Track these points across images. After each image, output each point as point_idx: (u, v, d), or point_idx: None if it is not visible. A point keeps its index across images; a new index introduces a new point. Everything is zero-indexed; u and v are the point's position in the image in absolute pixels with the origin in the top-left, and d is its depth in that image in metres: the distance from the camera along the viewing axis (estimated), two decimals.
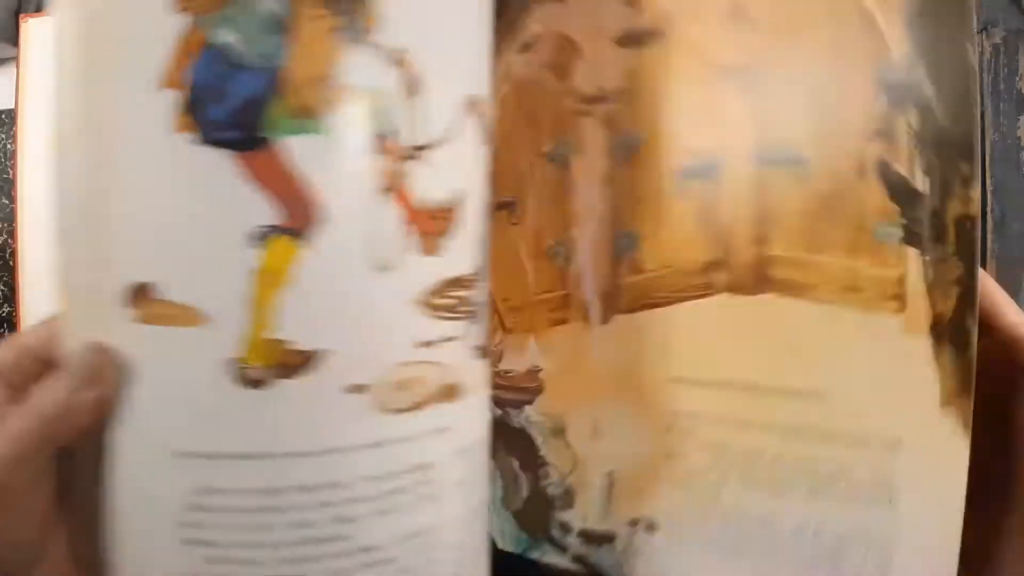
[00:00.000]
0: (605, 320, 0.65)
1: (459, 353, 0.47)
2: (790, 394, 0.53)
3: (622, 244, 0.63)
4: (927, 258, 0.49)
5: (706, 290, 0.59)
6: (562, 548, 0.67)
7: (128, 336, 0.41)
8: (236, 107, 0.40)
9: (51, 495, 0.43)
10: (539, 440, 0.68)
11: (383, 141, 0.43)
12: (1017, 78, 0.81)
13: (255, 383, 0.42)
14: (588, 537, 0.67)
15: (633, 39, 0.61)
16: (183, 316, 0.41)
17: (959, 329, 0.47)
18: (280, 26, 0.39)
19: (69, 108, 0.41)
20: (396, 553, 0.45)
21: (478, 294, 0.50)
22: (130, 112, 0.40)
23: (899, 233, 0.49)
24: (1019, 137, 0.80)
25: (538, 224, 0.67)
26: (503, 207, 0.68)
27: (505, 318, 0.69)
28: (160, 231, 0.40)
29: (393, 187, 0.44)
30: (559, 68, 0.66)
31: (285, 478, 0.42)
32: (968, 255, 0.46)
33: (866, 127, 0.50)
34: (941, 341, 0.49)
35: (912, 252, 0.49)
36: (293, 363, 0.42)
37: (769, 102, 0.52)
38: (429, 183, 0.46)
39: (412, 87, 0.44)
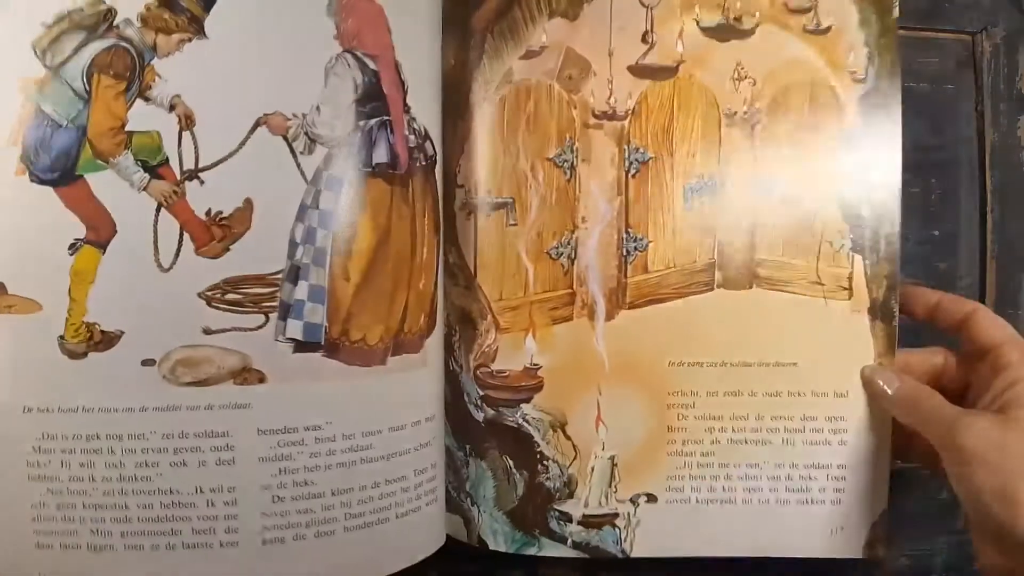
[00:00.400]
0: (611, 316, 0.58)
1: (258, 343, 0.48)
2: (770, 366, 0.57)
3: (630, 246, 0.58)
4: (867, 261, 0.57)
5: (705, 287, 0.58)
6: (561, 539, 0.58)
7: None
8: (56, 156, 0.46)
9: None
10: (538, 436, 0.58)
11: (161, 169, 0.47)
12: (1017, 78, 0.69)
13: (75, 355, 0.46)
14: (589, 522, 0.58)
15: (647, 72, 0.58)
16: (26, 306, 0.45)
17: (886, 309, 0.57)
18: (83, 97, 0.46)
19: None
20: (195, 501, 0.47)
21: (289, 290, 0.49)
22: None
23: (849, 244, 0.57)
24: (1019, 137, 0.69)
25: (540, 225, 0.58)
26: (499, 208, 0.58)
27: (500, 318, 0.58)
28: (9, 245, 0.46)
29: (170, 204, 0.47)
30: (569, 81, 0.58)
31: (100, 427, 0.46)
32: (892, 261, 0.57)
33: (829, 168, 0.57)
34: (875, 317, 0.57)
35: (857, 257, 0.57)
36: (100, 340, 0.46)
37: (764, 144, 0.57)
38: (211, 197, 0.48)
39: (185, 124, 0.47)
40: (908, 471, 0.63)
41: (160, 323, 0.47)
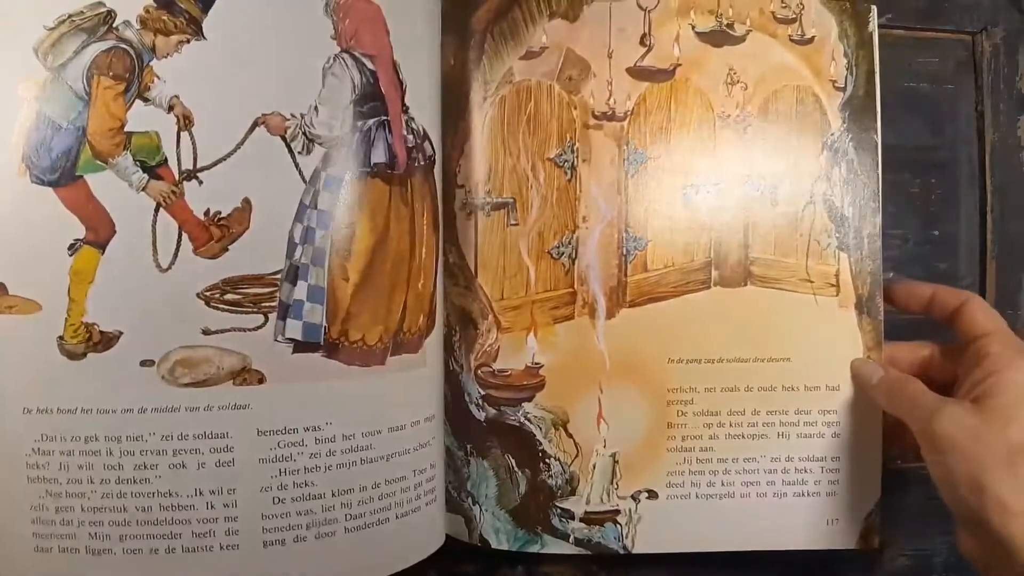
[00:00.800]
0: (611, 315, 0.59)
1: (257, 343, 0.49)
2: (765, 361, 0.59)
3: (630, 246, 0.59)
4: (852, 259, 0.60)
5: (702, 285, 0.60)
6: (564, 536, 0.59)
7: None
8: (56, 157, 0.46)
9: None
10: (540, 435, 0.58)
11: (159, 169, 0.47)
12: (1017, 78, 0.70)
13: (74, 356, 0.46)
14: (591, 519, 0.59)
15: (645, 74, 0.59)
16: (26, 306, 0.45)
17: (872, 304, 0.59)
18: (83, 98, 0.46)
19: None
20: (195, 504, 0.47)
21: (288, 291, 0.50)
22: None
23: (835, 243, 0.60)
24: (1019, 137, 0.69)
25: (541, 225, 0.59)
26: (500, 208, 0.59)
27: (501, 317, 0.59)
28: (10, 245, 0.45)
29: (168, 204, 0.47)
30: (569, 82, 0.59)
31: (99, 429, 0.46)
32: (875, 258, 0.59)
33: (815, 171, 0.60)
34: (861, 312, 0.59)
35: (843, 255, 0.60)
36: (99, 341, 0.46)
37: (755, 147, 0.60)
38: (209, 197, 0.48)
39: (183, 124, 0.47)
40: (908, 471, 0.65)
41: (159, 323, 0.47)
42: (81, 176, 0.46)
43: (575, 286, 0.58)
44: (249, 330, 0.48)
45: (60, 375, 0.46)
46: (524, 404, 0.58)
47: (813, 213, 0.59)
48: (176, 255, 0.47)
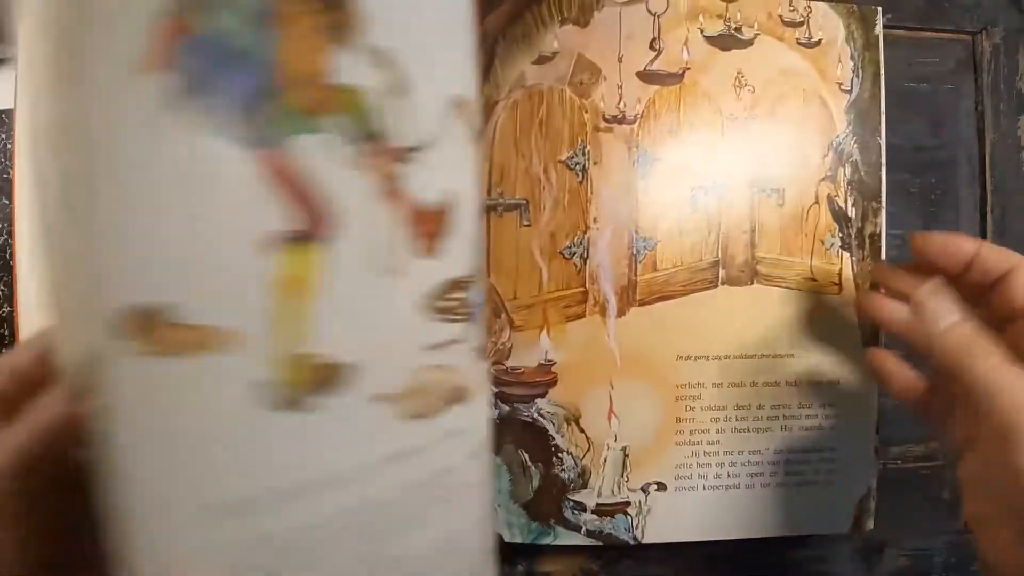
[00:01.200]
0: (622, 313, 0.61)
1: (464, 355, 0.37)
2: (770, 358, 0.62)
3: (639, 246, 0.61)
4: (853, 258, 0.63)
5: (710, 284, 0.62)
6: (576, 527, 0.61)
7: (133, 374, 0.26)
8: (240, 92, 0.26)
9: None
10: (552, 430, 0.61)
11: (377, 142, 0.31)
12: (1017, 78, 0.71)
13: (291, 405, 0.28)
14: (602, 511, 0.61)
15: (655, 78, 0.61)
16: (202, 340, 0.26)
17: None
18: (268, 17, 0.27)
19: (44, 105, 0.26)
20: (431, 567, 0.34)
21: (475, 295, 0.39)
22: (116, 104, 0.25)
23: (838, 242, 0.63)
24: (1019, 137, 0.71)
25: (554, 226, 0.61)
26: (513, 209, 0.61)
27: (514, 316, 0.61)
28: (165, 242, 0.26)
29: (391, 189, 0.32)
30: (580, 86, 0.61)
31: (329, 504, 0.30)
32: (876, 257, 0.63)
33: (820, 173, 0.63)
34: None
35: (845, 254, 0.63)
36: (325, 378, 0.29)
37: (762, 148, 0.63)
38: (422, 184, 0.34)
39: (401, 88, 0.32)
40: (908, 471, 0.67)
41: (390, 343, 0.33)
42: (281, 137, 0.28)
43: (587, 285, 0.60)
44: (459, 342, 0.37)
45: (269, 437, 0.28)
46: (537, 400, 0.60)
47: (818, 214, 0.62)
48: (401, 255, 0.33)
